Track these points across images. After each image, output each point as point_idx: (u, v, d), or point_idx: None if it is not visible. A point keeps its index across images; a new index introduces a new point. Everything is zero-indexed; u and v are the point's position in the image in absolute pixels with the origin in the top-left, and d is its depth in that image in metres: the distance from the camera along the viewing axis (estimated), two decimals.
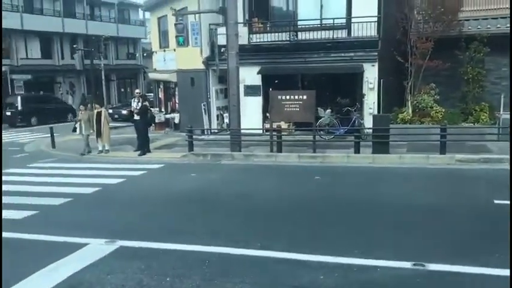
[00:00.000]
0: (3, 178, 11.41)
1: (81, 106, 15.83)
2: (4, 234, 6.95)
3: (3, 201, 8.96)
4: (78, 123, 14.94)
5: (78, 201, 9.06)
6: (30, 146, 17.74)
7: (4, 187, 10.34)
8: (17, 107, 26.47)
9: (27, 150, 16.83)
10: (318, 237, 6.44)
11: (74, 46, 33.54)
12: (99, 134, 14.67)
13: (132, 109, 15.20)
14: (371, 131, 13.33)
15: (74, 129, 15.33)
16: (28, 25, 34.15)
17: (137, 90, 16.28)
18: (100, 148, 14.82)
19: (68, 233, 6.86)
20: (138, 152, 14.53)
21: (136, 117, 14.86)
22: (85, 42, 37.36)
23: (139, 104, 14.72)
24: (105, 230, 7.00)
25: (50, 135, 16.78)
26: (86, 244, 6.41)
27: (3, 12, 29.74)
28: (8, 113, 26.19)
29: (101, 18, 42.70)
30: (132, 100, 15.55)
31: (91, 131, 14.73)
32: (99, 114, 14.71)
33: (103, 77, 36.40)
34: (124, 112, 26.84)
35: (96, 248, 6.26)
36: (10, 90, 30.60)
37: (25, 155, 15.90)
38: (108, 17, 43.49)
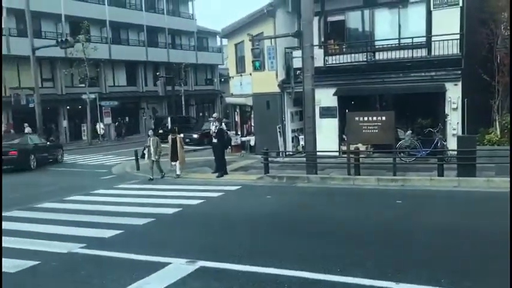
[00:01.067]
0: (93, 198, 12.15)
1: (149, 131, 16.37)
2: (92, 252, 7.35)
3: (91, 221, 9.52)
4: (147, 149, 15.32)
5: (160, 222, 9.38)
6: (117, 168, 18.76)
7: (93, 207, 11.00)
8: (167, 126, 28.95)
9: (114, 172, 17.81)
10: (404, 265, 6.13)
11: (157, 73, 35.47)
12: (175, 159, 15.14)
13: (211, 132, 15.75)
14: (455, 153, 12.64)
15: (143, 155, 15.73)
16: (115, 55, 36.62)
17: (214, 115, 16.92)
18: (178, 172, 15.24)
19: (150, 252, 7.10)
20: (216, 174, 14.85)
21: (214, 140, 15.37)
22: (167, 70, 39.31)
23: (214, 127, 15.38)
24: (186, 250, 7.16)
25: (134, 158, 17.61)
26: (167, 263, 6.58)
27: (95, 43, 32.12)
28: (161, 131, 27.82)
29: (181, 46, 44.80)
30: (211, 124, 16.10)
31: (157, 157, 15.08)
32: (174, 140, 15.24)
33: (183, 102, 38.05)
34: (195, 136, 27.27)
35: (178, 268, 6.40)
36: (99, 116, 32.76)
37: (112, 176, 16.82)
38: (188, 45, 45.55)
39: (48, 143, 22.12)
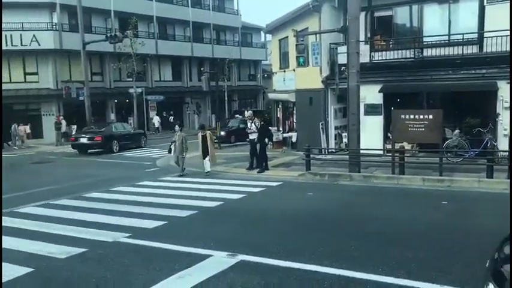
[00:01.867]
0: (138, 190, 12.48)
1: (176, 127, 16.38)
2: (136, 242, 7.56)
3: (136, 211, 9.79)
4: (173, 144, 15.33)
5: (203, 214, 9.52)
6: (161, 161, 19.16)
7: (138, 198, 11.31)
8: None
9: (158, 165, 18.20)
10: (447, 267, 5.96)
11: (201, 69, 35.88)
12: (205, 156, 14.98)
13: (247, 129, 15.72)
14: (507, 154, 12.12)
15: (169, 151, 15.76)
16: (162, 50, 37.36)
17: (248, 112, 16.76)
18: (208, 169, 15.04)
19: (192, 244, 7.23)
20: (257, 170, 14.91)
21: (251, 136, 15.39)
22: (211, 65, 39.76)
23: (254, 124, 15.32)
24: (226, 244, 7.24)
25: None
26: (208, 256, 6.68)
27: (143, 38, 32.88)
28: (223, 133, 26.97)
29: (226, 42, 45.16)
30: (247, 121, 16.11)
31: (184, 154, 15.06)
32: (204, 137, 15.04)
33: (226, 98, 38.38)
34: (222, 133, 26.05)
35: (218, 261, 6.48)
36: (145, 110, 33.58)
37: (156, 169, 17.20)
38: (232, 40, 45.87)
39: (132, 131, 26.32)
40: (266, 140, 15.25)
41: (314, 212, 9.53)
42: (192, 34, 40.53)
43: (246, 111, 20.52)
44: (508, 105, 14.20)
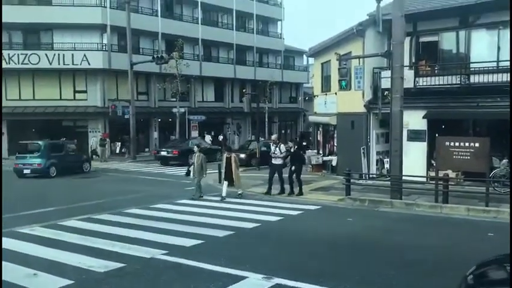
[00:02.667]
0: (177, 208, 12.62)
1: (195, 148, 15.53)
2: (173, 259, 7.61)
3: (174, 229, 9.89)
4: (192, 166, 14.80)
5: (239, 235, 9.50)
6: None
7: (176, 216, 11.44)
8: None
9: None
10: None
11: (243, 90, 36.28)
12: (230, 180, 14.44)
13: (271, 153, 15.11)
14: None
15: (188, 173, 15.26)
16: (206, 71, 38.12)
17: (274, 136, 16.42)
18: (239, 192, 14.70)
19: (228, 265, 7.21)
20: (288, 192, 14.86)
21: (274, 161, 14.91)
22: (252, 87, 40.16)
23: (278, 148, 14.85)
24: (263, 266, 7.18)
25: (217, 171, 18.08)
26: (244, 277, 6.64)
27: (188, 60, 33.70)
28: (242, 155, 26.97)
29: (268, 64, 45.60)
30: (271, 145, 15.61)
31: (204, 176, 14.62)
32: (228, 159, 14.53)
33: (266, 119, 38.56)
34: (242, 156, 24.60)
35: (254, 283, 6.43)
36: (187, 129, 34.15)
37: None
38: (274, 63, 46.27)
39: (207, 146, 27.82)
40: (293, 167, 14.86)
41: (353, 238, 9.33)
42: (236, 56, 41.18)
43: (271, 135, 20.18)
44: None
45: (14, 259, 7.58)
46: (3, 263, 7.38)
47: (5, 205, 11.35)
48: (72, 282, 6.54)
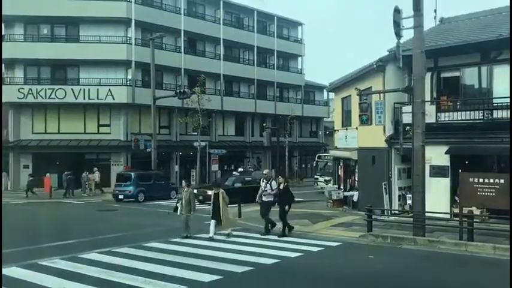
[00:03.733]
0: (196, 242, 12.55)
1: (183, 182, 14.66)
2: None
3: (193, 263, 9.82)
4: (180, 202, 13.76)
5: (259, 271, 9.36)
6: None
7: (195, 250, 11.39)
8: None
9: None
10: None
11: (264, 124, 36.59)
12: (214, 217, 13.33)
13: (261, 191, 14.23)
14: None
15: (175, 209, 13.95)
16: (227, 106, 38.64)
17: (265, 171, 15.77)
18: (227, 232, 13.47)
19: None
20: (278, 234, 13.67)
21: (265, 198, 14.05)
22: (273, 121, 40.42)
23: (270, 184, 13.97)
24: None
25: (237, 205, 18.02)
26: None
27: (209, 95, 34.25)
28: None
29: (288, 99, 45.98)
30: (261, 181, 14.74)
31: (191, 213, 13.55)
32: (216, 195, 13.45)
33: (286, 153, 38.58)
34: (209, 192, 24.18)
35: None
36: (207, 163, 34.35)
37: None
38: (294, 98, 46.66)
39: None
40: (286, 207, 13.84)
41: (375, 276, 9.11)
42: (256, 91, 41.70)
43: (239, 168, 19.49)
44: None
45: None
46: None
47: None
48: None
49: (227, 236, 13.31)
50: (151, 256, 10.70)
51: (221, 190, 13.58)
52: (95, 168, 29.72)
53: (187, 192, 13.58)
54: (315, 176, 33.13)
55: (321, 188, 29.13)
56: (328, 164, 30.25)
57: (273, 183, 14.10)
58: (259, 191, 14.38)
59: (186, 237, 13.15)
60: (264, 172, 15.57)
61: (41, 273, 9.04)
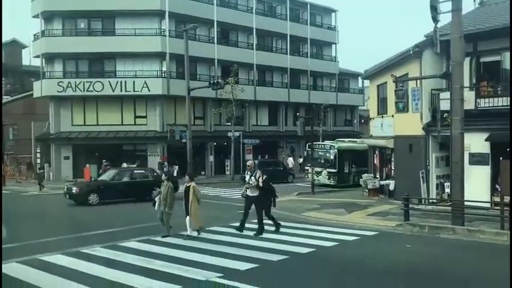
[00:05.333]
0: (232, 231, 12.66)
1: (163, 176, 13.52)
2: (228, 282, 7.65)
3: (229, 252, 9.95)
4: (159, 196, 12.29)
5: (294, 260, 9.40)
6: None
7: (230, 238, 11.54)
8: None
9: (252, 207, 18.38)
10: None
11: (297, 114, 36.30)
12: (187, 212, 11.96)
13: (246, 184, 12.92)
14: None
15: (154, 203, 12.51)
16: (260, 96, 38.61)
17: (249, 162, 13.94)
18: (188, 232, 11.88)
19: None
20: (255, 232, 12.22)
21: (249, 192, 12.66)
22: (307, 110, 40.13)
23: (254, 177, 12.50)
24: None
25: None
26: None
27: (242, 85, 34.31)
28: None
29: (322, 88, 45.50)
30: (246, 173, 13.45)
31: (166, 210, 11.91)
32: (187, 189, 12.03)
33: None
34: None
35: None
36: (241, 153, 34.54)
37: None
38: (328, 86, 46.14)
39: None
40: (272, 199, 12.74)
41: (413, 266, 8.99)
42: (290, 80, 41.47)
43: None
44: None
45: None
46: (63, 279, 7.74)
47: None
48: None
49: (197, 233, 11.93)
50: (190, 244, 10.91)
51: (193, 184, 12.10)
52: (137, 162, 30.30)
53: (166, 187, 12.05)
54: (305, 167, 30.27)
55: (313, 181, 25.11)
56: (320, 153, 28.09)
57: (258, 175, 12.48)
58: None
59: (163, 236, 11.76)
60: (248, 164, 13.94)
61: (83, 260, 9.37)
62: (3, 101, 39.51)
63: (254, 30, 38.50)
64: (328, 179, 26.89)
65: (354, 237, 11.86)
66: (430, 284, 7.76)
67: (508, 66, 15.74)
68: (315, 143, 29.01)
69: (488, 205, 14.08)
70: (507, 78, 15.76)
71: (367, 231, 12.71)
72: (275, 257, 9.47)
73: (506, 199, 12.38)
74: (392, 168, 21.00)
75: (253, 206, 12.74)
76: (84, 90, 31.85)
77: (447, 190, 16.27)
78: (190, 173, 13.65)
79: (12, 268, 8.58)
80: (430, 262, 9.36)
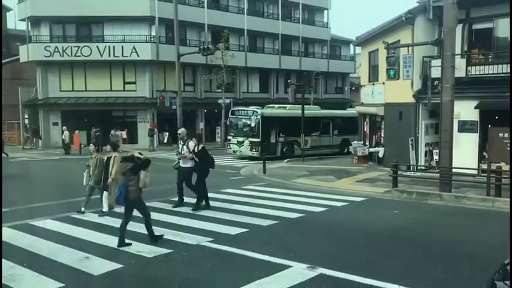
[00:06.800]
0: (222, 196, 12.78)
1: (90, 146, 12.33)
2: (219, 247, 7.75)
3: (219, 217, 10.05)
4: (87, 170, 10.92)
5: (283, 225, 9.54)
6: (245, 170, 19.52)
7: (221, 204, 11.61)
8: None
9: (242, 174, 18.56)
10: None
11: (289, 81, 36.08)
12: (104, 187, 10.54)
13: (178, 155, 11.73)
14: None
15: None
16: (251, 62, 38.22)
17: (180, 130, 12.75)
18: (105, 208, 10.60)
19: (272, 253, 7.27)
20: (192, 208, 11.10)
21: (182, 163, 11.48)
22: (298, 77, 39.89)
23: (187, 146, 11.45)
24: (307, 256, 7.19)
25: (262, 161, 18.20)
26: (288, 266, 6.68)
27: (233, 51, 33.92)
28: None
29: (314, 54, 45.11)
30: (179, 143, 12.42)
31: (92, 183, 10.72)
32: (108, 160, 10.54)
33: None
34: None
35: (298, 272, 6.46)
36: None
37: (240, 177, 17.55)
38: (320, 53, 45.74)
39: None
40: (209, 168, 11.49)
41: (400, 230, 9.17)
42: (281, 47, 41.03)
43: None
44: None
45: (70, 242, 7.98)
46: (61, 246, 7.80)
47: None
48: (122, 266, 6.80)
49: (101, 214, 10.43)
50: (180, 210, 10.99)
51: (114, 154, 10.53)
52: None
53: (95, 159, 10.75)
54: (228, 137, 26.42)
55: (234, 151, 24.84)
56: (243, 121, 24.52)
57: (191, 144, 11.45)
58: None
59: (82, 212, 10.44)
60: (178, 132, 12.83)
61: (73, 225, 9.43)
62: None
63: None
64: (251, 149, 23.64)
65: (342, 203, 12.03)
66: (414, 246, 7.94)
67: (500, 34, 15.68)
68: (237, 108, 26.58)
69: (475, 172, 14.28)
70: (499, 46, 15.73)
71: (356, 197, 12.89)
72: (265, 222, 9.60)
73: (493, 166, 12.57)
74: (382, 135, 21.13)
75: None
76: (71, 55, 31.23)
77: (436, 157, 16.46)
78: (114, 142, 11.75)
79: None
80: (417, 226, 9.55)
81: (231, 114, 25.89)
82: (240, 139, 24.37)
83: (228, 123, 26.63)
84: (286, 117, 25.32)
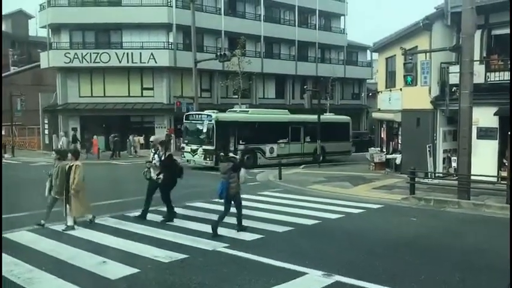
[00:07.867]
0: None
1: (53, 154, 11.20)
2: (235, 252, 7.77)
3: (235, 223, 10.03)
4: (48, 180, 9.86)
5: (299, 231, 9.51)
6: (261, 176, 19.52)
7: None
8: None
9: (258, 180, 18.56)
10: None
11: (305, 87, 36.08)
12: (66, 199, 9.50)
13: (149, 164, 10.80)
14: None
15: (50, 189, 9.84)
16: (267, 68, 38.32)
17: (152, 138, 11.25)
18: (69, 223, 9.45)
19: (288, 260, 7.25)
20: (162, 219, 10.36)
21: (153, 173, 10.62)
22: (314, 83, 39.83)
23: (158, 155, 10.72)
24: (323, 263, 7.16)
25: (277, 168, 18.20)
26: (303, 273, 6.66)
27: (249, 57, 34.03)
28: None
29: (330, 60, 44.98)
30: (151, 151, 11.26)
31: (53, 195, 9.70)
32: (69, 169, 9.55)
33: None
34: None
35: (314, 279, 6.43)
36: None
37: (256, 183, 17.55)
38: (337, 59, 45.60)
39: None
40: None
41: (417, 238, 9.08)
42: (297, 53, 41.05)
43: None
44: None
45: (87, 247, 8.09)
46: (78, 250, 7.90)
47: None
48: (138, 271, 6.86)
49: (66, 229, 9.32)
50: (196, 215, 11.04)
51: (77, 163, 9.69)
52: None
53: (57, 168, 9.72)
54: (182, 145, 24.20)
55: (187, 160, 22.01)
56: (197, 127, 22.24)
57: (161, 151, 10.79)
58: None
59: (42, 226, 9.48)
60: (151, 139, 11.59)
61: (93, 230, 9.54)
62: (11, 71, 39.64)
63: (262, 1, 37.95)
64: (204, 158, 21.41)
65: (359, 210, 11.95)
66: (431, 254, 7.84)
67: None
68: (191, 113, 24.04)
69: (494, 179, 14.07)
70: None
71: (373, 204, 12.79)
72: (281, 229, 9.59)
73: None
74: (399, 142, 20.96)
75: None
76: (90, 62, 31.74)
77: (454, 164, 16.27)
78: (75, 151, 11.47)
79: None
80: (434, 234, 9.44)
81: (185, 119, 23.56)
82: (194, 147, 22.04)
83: (182, 129, 24.66)
84: (247, 122, 23.03)
